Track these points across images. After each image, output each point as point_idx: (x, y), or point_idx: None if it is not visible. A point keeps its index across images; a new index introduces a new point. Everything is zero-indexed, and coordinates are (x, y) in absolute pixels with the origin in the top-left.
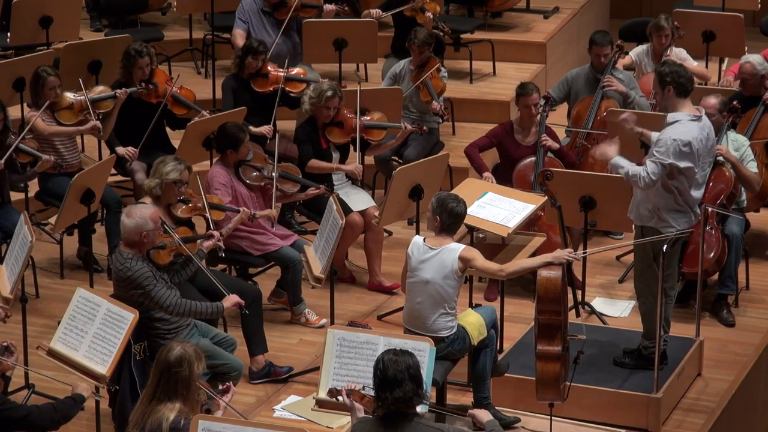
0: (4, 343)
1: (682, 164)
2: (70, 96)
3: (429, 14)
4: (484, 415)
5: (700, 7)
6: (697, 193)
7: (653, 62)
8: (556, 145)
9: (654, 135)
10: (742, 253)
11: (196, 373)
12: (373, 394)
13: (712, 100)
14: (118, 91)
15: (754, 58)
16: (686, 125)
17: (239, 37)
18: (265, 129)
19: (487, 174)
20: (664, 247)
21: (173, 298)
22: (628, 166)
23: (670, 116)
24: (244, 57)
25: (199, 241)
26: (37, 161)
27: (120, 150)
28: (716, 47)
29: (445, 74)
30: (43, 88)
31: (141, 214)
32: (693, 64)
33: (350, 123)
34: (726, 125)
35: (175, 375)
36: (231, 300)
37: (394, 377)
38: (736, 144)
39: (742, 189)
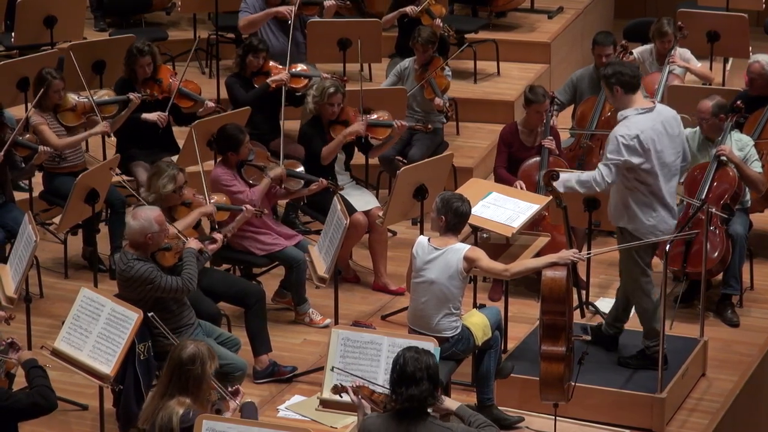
0: (8, 340)
1: (635, 160)
2: (73, 97)
3: (438, 21)
4: (451, 403)
5: (705, 7)
6: (670, 186)
7: (657, 63)
8: (555, 150)
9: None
10: (746, 253)
11: (208, 372)
12: (382, 391)
13: (707, 104)
14: (133, 94)
15: (762, 58)
16: (632, 120)
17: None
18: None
19: (518, 182)
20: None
21: (179, 280)
22: (574, 176)
23: (619, 114)
24: (245, 55)
25: (205, 243)
26: (35, 154)
27: (151, 116)
28: (720, 47)
29: (449, 72)
30: (48, 90)
31: (146, 216)
32: (697, 65)
33: (354, 120)
34: (729, 125)
35: (187, 373)
36: (193, 241)
37: (412, 374)
38: (740, 144)
39: (746, 189)
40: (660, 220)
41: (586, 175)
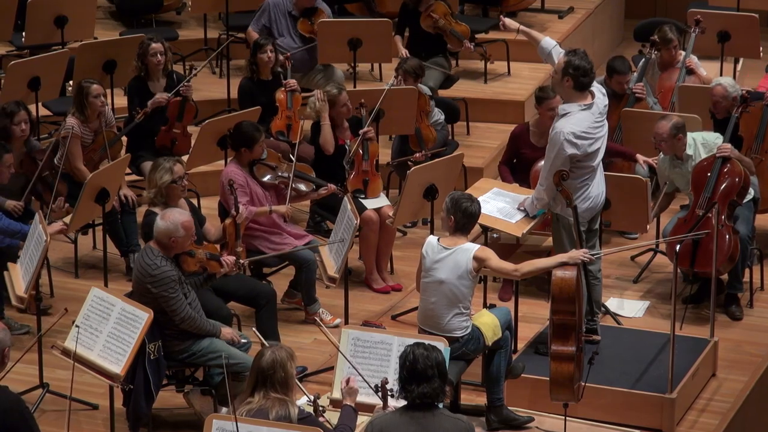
0: None
1: (580, 152)
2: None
3: (436, 18)
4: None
5: (715, 7)
6: (599, 163)
7: (660, 71)
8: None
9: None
10: (748, 253)
11: (290, 373)
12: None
13: (664, 125)
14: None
15: (725, 81)
16: (576, 116)
17: (255, 35)
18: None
19: None
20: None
21: (188, 311)
22: (534, 197)
23: (561, 108)
24: (254, 56)
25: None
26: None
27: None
28: (731, 47)
29: (441, 117)
30: (88, 98)
31: (174, 219)
32: (703, 74)
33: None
34: (735, 117)
35: (272, 378)
36: (227, 332)
37: (423, 371)
38: (708, 147)
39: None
40: (593, 202)
41: (536, 193)
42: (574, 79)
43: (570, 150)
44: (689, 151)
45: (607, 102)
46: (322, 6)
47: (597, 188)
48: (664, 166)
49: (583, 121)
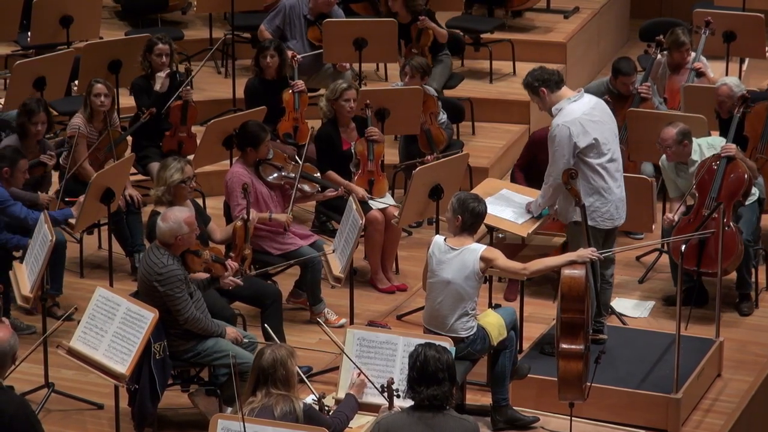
0: None
1: (583, 142)
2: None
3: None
4: None
5: (721, 7)
6: (616, 164)
7: (670, 71)
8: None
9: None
10: (752, 254)
11: (292, 370)
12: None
13: (670, 131)
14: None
15: (730, 81)
16: (567, 108)
17: (267, 34)
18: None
19: None
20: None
21: (192, 312)
22: (540, 197)
23: (554, 109)
24: (258, 57)
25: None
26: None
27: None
28: (736, 47)
29: (444, 117)
30: (90, 96)
31: (176, 218)
32: (711, 75)
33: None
34: (737, 117)
35: (274, 376)
36: (232, 331)
37: (434, 374)
38: (714, 150)
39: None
40: (613, 203)
41: (543, 190)
42: (545, 84)
43: (572, 137)
44: (695, 157)
45: (597, 99)
46: (337, 13)
47: (615, 203)
48: (670, 170)
49: (576, 111)
